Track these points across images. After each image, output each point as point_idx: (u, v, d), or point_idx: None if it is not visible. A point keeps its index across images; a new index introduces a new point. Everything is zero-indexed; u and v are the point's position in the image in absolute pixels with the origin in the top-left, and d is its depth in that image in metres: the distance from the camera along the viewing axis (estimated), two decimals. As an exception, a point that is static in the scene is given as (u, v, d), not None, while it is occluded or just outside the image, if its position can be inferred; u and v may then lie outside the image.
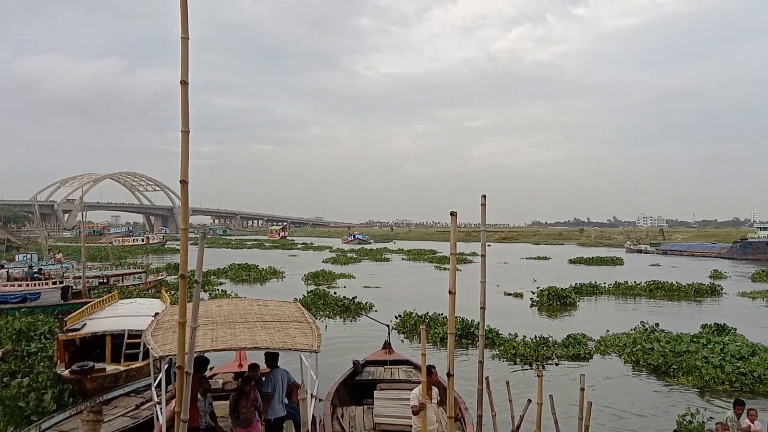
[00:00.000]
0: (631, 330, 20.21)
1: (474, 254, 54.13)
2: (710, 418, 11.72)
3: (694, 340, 17.62)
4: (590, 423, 7.36)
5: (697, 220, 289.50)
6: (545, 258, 68.16)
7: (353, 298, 27.22)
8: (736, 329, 19.77)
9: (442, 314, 21.89)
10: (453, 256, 5.89)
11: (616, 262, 60.61)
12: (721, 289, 33.92)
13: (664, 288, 33.69)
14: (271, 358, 8.97)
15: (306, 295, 28.31)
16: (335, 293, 29.27)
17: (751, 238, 76.67)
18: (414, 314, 22.42)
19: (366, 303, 26.83)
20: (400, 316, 22.41)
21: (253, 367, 9.35)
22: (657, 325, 20.43)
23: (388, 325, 15.64)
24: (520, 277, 41.53)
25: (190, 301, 4.88)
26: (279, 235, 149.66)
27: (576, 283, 34.10)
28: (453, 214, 5.75)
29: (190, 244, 4.71)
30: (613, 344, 18.49)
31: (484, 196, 7.36)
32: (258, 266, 46.76)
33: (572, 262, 60.62)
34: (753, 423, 8.96)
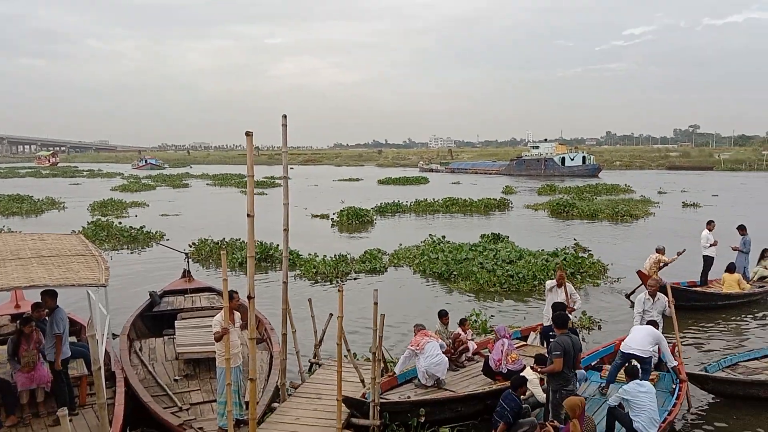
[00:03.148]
0: (421, 243, 21.94)
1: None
2: (491, 316, 13.35)
3: (473, 248, 19.70)
4: (383, 333, 7.97)
5: (481, 141, 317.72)
6: (356, 180, 70.48)
7: (141, 227, 25.78)
8: (508, 237, 22.45)
9: (240, 239, 21.68)
10: (250, 178, 5.80)
11: (421, 181, 64.85)
12: (510, 203, 37.96)
13: (459, 204, 36.83)
14: (51, 296, 8.16)
15: (86, 226, 26.07)
16: (120, 223, 27.32)
17: (525, 156, 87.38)
18: (210, 240, 21.92)
19: (156, 232, 25.60)
20: (194, 243, 21.75)
21: (37, 306, 8.47)
22: (444, 237, 22.38)
23: (185, 253, 15.10)
24: (329, 199, 42.42)
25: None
26: (49, 161, 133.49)
27: (381, 203, 35.86)
28: (248, 134, 5.60)
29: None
30: (404, 257, 19.99)
31: (285, 116, 7.28)
32: (33, 197, 41.74)
33: (381, 182, 63.45)
34: (465, 332, 10.01)
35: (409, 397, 8.32)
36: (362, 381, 8.64)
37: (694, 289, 14.63)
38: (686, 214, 33.12)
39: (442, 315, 10.15)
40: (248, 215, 5.75)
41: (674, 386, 8.69)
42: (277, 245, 19.93)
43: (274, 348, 9.69)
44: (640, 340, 8.71)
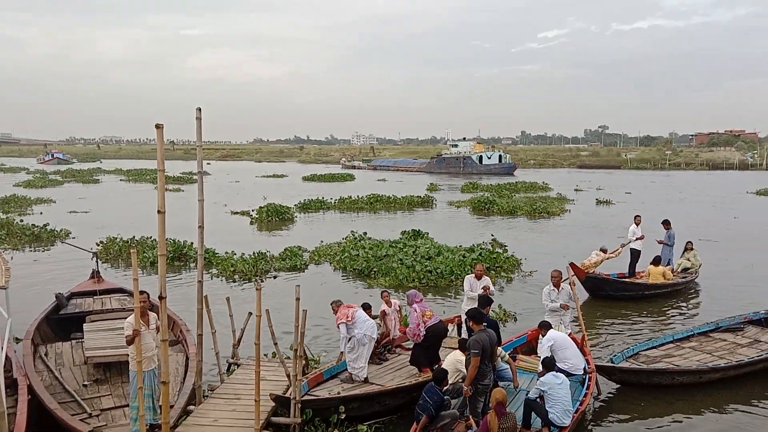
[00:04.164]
0: (343, 239, 21.92)
1: (203, 173, 52.40)
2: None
3: (393, 245, 19.88)
4: (305, 329, 7.92)
5: (402, 138, 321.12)
6: (281, 176, 69.71)
7: (45, 225, 24.47)
8: (428, 233, 22.78)
9: (151, 237, 20.92)
10: (161, 172, 5.60)
11: (347, 178, 64.76)
12: (434, 201, 38.56)
13: (383, 201, 37.09)
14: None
15: (-17, 225, 24.48)
16: (22, 221, 25.81)
17: (445, 154, 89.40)
18: (119, 239, 21.07)
19: (62, 230, 24.38)
20: (102, 242, 20.83)
21: None
22: (366, 233, 22.46)
23: (93, 253, 14.41)
24: (251, 196, 41.53)
25: None
26: None
27: (305, 199, 35.63)
28: (159, 126, 5.40)
29: None
30: (325, 254, 19.91)
31: (199, 109, 7.10)
32: None
33: (306, 179, 62.88)
34: (389, 305, 10.26)
35: (339, 393, 8.32)
36: (288, 377, 8.55)
37: (623, 280, 15.64)
38: (600, 211, 34.81)
39: (366, 308, 10.25)
40: (159, 212, 5.56)
41: (584, 377, 9.10)
42: (192, 243, 19.36)
43: (189, 349, 9.42)
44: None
